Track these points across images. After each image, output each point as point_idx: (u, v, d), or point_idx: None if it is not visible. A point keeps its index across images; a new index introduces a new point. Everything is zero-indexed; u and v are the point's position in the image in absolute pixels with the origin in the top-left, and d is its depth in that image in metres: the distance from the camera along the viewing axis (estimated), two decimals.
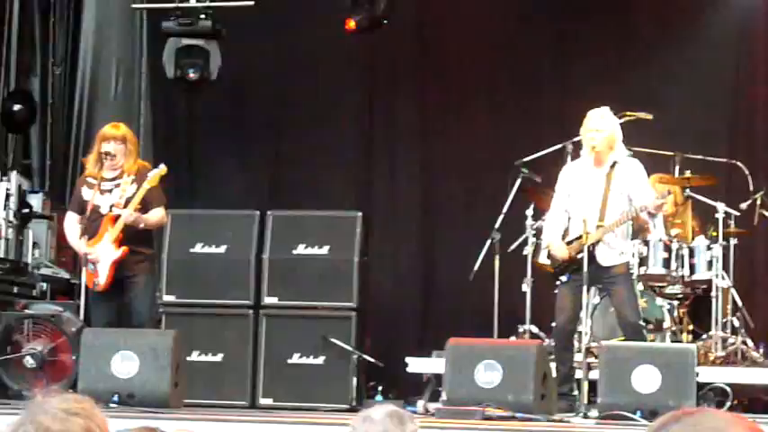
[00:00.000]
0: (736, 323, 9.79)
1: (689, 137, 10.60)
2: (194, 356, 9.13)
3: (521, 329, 9.88)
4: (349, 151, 11.96)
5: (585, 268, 8.09)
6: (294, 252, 9.27)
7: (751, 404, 9.38)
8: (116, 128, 8.82)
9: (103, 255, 8.54)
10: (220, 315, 9.30)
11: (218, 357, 9.22)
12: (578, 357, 8.44)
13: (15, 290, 10.17)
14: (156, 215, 8.72)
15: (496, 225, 10.01)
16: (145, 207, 8.60)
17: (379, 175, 11.99)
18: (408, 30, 11.81)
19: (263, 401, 9.08)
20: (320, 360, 9.13)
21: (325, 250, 9.25)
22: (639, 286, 9.20)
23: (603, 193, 8.32)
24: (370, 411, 3.54)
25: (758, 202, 9.84)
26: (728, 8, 11.27)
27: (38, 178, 12.10)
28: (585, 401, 7.97)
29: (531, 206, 9.98)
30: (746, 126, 11.14)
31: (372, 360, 9.30)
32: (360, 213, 9.38)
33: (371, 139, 12.08)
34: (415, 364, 9.61)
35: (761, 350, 9.73)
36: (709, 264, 9.56)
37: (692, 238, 9.81)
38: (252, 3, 10.88)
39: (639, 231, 8.84)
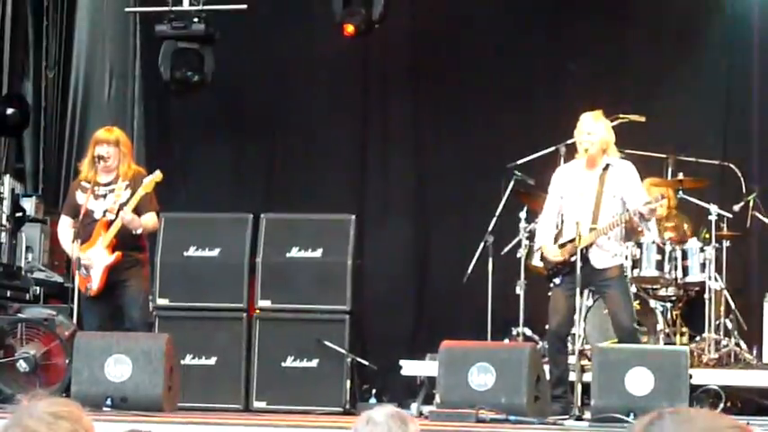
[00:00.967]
0: (729, 325, 9.80)
1: (682, 139, 10.60)
2: (188, 360, 9.12)
3: (514, 332, 9.89)
4: (343, 154, 11.94)
5: (578, 271, 8.09)
6: (287, 255, 9.26)
7: (744, 406, 9.38)
8: (109, 131, 8.82)
9: (97, 260, 8.52)
10: (214, 318, 9.29)
11: (212, 361, 9.22)
12: (572, 360, 8.44)
13: (8, 293, 10.16)
14: (151, 220, 8.71)
15: (490, 228, 10.03)
16: (138, 213, 8.57)
17: (372, 177, 11.98)
18: (402, 33, 11.80)
19: (257, 404, 9.07)
20: (314, 363, 9.12)
21: (318, 253, 9.24)
22: (633, 288, 9.20)
23: (596, 196, 8.32)
24: (372, 413, 3.53)
25: (751, 204, 9.86)
26: (722, 12, 11.28)
27: (31, 182, 12.07)
28: (579, 404, 7.97)
29: (525, 209, 9.99)
30: (739, 129, 11.14)
31: (366, 363, 9.31)
32: (353, 216, 9.38)
33: (365, 142, 12.06)
34: (409, 367, 9.62)
35: (754, 352, 9.74)
36: (703, 266, 9.56)
37: (686, 240, 9.81)
38: (245, 6, 10.87)
39: (632, 233, 8.84)
